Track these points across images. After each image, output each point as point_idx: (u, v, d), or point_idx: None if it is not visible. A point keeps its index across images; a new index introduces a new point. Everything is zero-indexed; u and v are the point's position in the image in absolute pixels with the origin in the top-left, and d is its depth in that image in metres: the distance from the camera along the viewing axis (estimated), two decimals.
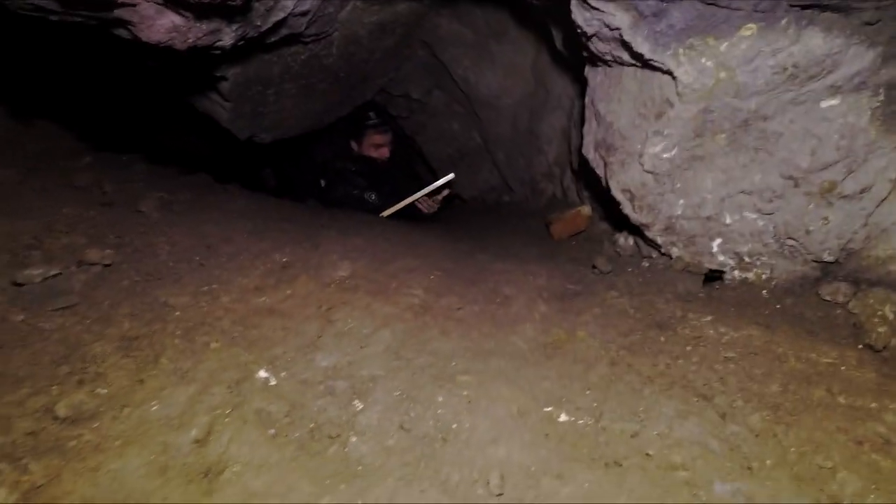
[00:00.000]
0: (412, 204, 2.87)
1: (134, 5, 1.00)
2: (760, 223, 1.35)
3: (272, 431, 0.85)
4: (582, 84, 1.94)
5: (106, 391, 0.88)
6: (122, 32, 1.09)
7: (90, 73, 2.58)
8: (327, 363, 1.04)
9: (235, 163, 3.61)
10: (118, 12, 1.01)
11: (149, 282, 1.26)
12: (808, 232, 1.30)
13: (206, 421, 0.85)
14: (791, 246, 1.35)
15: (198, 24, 1.15)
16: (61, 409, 0.83)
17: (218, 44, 1.32)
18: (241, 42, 1.43)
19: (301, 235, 1.77)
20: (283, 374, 0.99)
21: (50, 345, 0.98)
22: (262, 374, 0.98)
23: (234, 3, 1.06)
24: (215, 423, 0.85)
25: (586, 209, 2.08)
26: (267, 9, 1.38)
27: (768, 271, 1.40)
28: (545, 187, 2.69)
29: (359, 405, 0.93)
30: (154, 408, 0.87)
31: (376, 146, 3.03)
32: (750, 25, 1.14)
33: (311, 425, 0.88)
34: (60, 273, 1.20)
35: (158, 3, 1.02)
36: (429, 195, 2.84)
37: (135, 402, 0.87)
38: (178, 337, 1.06)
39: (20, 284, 1.13)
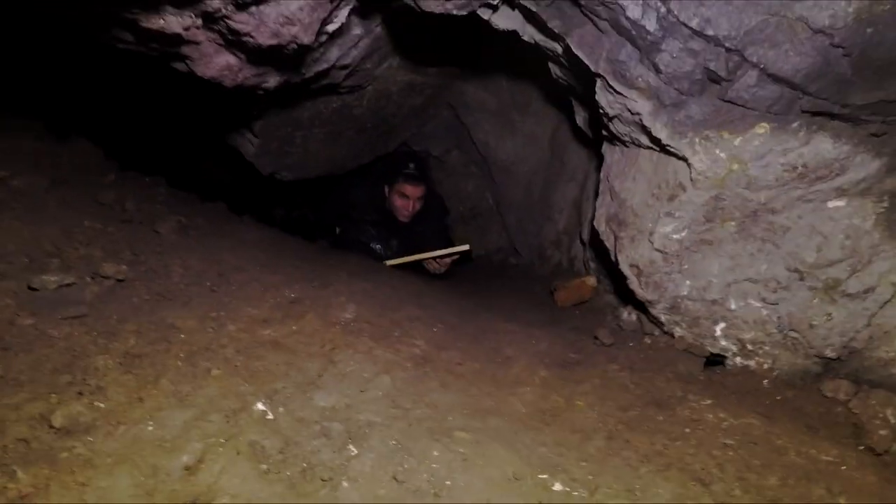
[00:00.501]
0: (420, 261, 2.83)
1: (197, 43, 1.08)
2: (765, 312, 1.37)
3: (264, 467, 0.84)
4: (598, 160, 2.03)
5: (104, 405, 0.88)
6: (179, 66, 1.17)
7: (129, 93, 2.70)
8: (326, 403, 1.03)
9: (251, 197, 3.70)
10: (182, 48, 1.09)
11: (158, 301, 1.27)
12: (811, 326, 1.32)
13: (199, 448, 0.84)
14: (794, 338, 1.37)
15: (249, 66, 1.23)
16: (57, 419, 0.82)
17: (263, 86, 1.40)
18: (284, 87, 1.52)
19: (312, 273, 1.80)
20: (280, 409, 0.98)
21: (55, 352, 0.98)
22: (261, 406, 0.97)
23: (287, 52, 1.14)
24: (208, 452, 0.84)
25: (592, 279, 2.11)
26: (314, 59, 1.48)
27: (770, 361, 1.40)
28: (552, 254, 2.73)
29: (353, 450, 0.91)
30: (149, 428, 0.86)
31: (402, 196, 2.94)
32: (763, 124, 1.21)
33: (304, 465, 0.86)
34: (75, 283, 1.21)
35: (219, 44, 1.10)
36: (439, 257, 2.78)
37: (131, 420, 0.86)
38: (180, 359, 1.06)
39: (34, 289, 1.15)
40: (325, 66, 1.58)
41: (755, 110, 1.20)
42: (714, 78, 1.21)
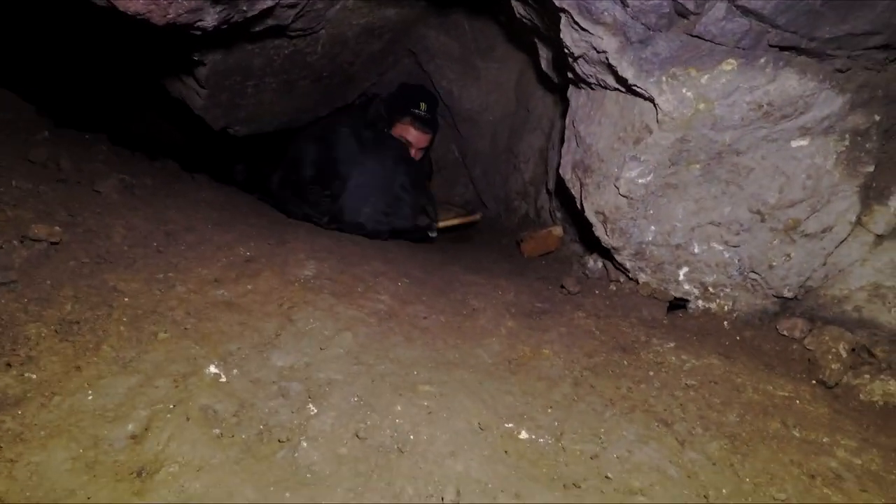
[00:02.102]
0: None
1: None
2: (727, 255, 1.38)
3: (217, 431, 0.79)
4: (563, 106, 1.97)
5: (36, 376, 0.81)
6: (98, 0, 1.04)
7: (57, 44, 2.46)
8: (283, 363, 0.99)
9: (207, 155, 3.49)
10: None
11: (98, 264, 1.18)
12: (770, 267, 1.34)
13: (145, 415, 0.79)
14: (753, 280, 1.38)
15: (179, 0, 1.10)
16: None
17: (199, 24, 1.27)
18: (225, 26, 1.39)
19: (268, 231, 1.72)
20: (234, 371, 0.94)
21: None
22: (213, 369, 0.92)
23: None
24: (155, 419, 0.79)
25: (558, 229, 2.09)
26: None
27: (730, 303, 1.43)
28: (519, 206, 2.70)
29: (313, 409, 0.88)
30: (89, 398, 0.80)
31: (403, 139, 2.48)
32: (731, 60, 1.17)
33: (261, 427, 0.82)
34: (1, 247, 1.11)
35: None
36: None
37: (67, 391, 0.80)
38: (123, 324, 0.99)
39: None
40: (269, 2, 1.44)
41: (723, 45, 1.15)
42: (682, 11, 1.15)
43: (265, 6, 1.44)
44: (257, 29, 1.69)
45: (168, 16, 1.13)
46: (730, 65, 1.18)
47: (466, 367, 1.12)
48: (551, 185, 2.16)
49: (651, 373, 1.17)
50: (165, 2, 1.09)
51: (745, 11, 1.10)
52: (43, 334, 0.91)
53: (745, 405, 1.06)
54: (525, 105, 2.61)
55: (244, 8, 1.37)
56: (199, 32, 1.34)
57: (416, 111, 2.47)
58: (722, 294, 1.43)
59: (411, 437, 0.85)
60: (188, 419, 0.80)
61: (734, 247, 1.37)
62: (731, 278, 1.40)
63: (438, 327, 1.29)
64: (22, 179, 1.51)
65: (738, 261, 1.37)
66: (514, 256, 2.19)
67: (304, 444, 0.80)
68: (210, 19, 1.28)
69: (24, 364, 0.83)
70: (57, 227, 1.25)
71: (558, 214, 2.16)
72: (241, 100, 2.40)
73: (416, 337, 1.21)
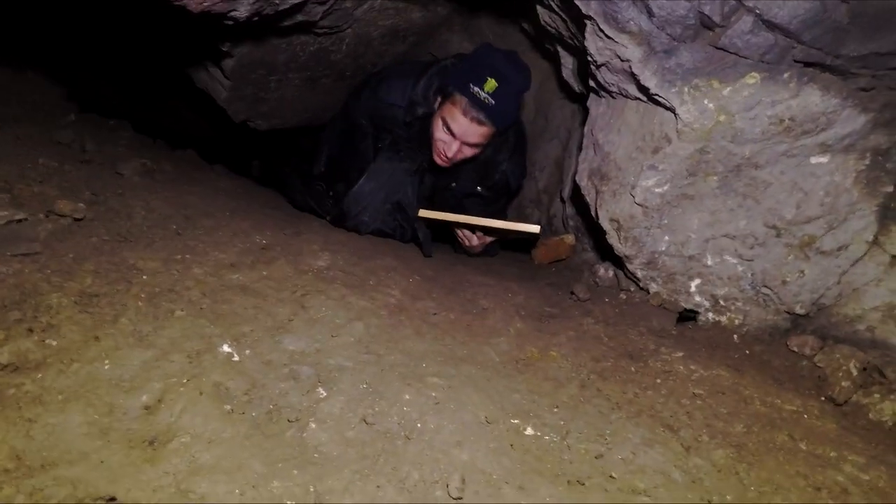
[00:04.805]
0: (453, 230, 2.02)
1: None
2: (740, 268, 1.38)
3: (228, 407, 0.81)
4: (582, 116, 1.98)
5: (56, 343, 0.83)
6: None
7: (87, 30, 2.52)
8: (295, 347, 1.00)
9: (227, 147, 3.54)
10: None
11: (119, 242, 1.21)
12: (784, 282, 1.33)
13: (159, 387, 0.81)
14: (766, 295, 1.38)
15: None
16: (3, 355, 0.77)
17: (232, 13, 1.30)
18: (256, 18, 1.42)
19: (283, 222, 1.74)
20: (247, 351, 0.95)
21: (3, 289, 0.92)
22: (226, 348, 0.93)
23: None
24: (169, 391, 0.80)
25: (570, 237, 2.10)
26: None
27: (741, 317, 1.42)
28: (531, 213, 2.71)
29: (322, 393, 0.89)
30: (105, 367, 0.82)
31: (445, 127, 1.80)
32: (754, 74, 1.17)
33: (271, 406, 0.84)
34: (26, 219, 1.14)
35: None
36: (484, 230, 1.90)
37: (85, 359, 0.82)
38: (141, 300, 1.01)
39: None
40: None
41: (747, 59, 1.16)
42: (708, 23, 1.16)
43: (297, 1, 1.47)
44: (286, 23, 1.72)
45: (204, 3, 1.16)
46: (753, 78, 1.18)
47: (474, 363, 1.13)
48: (566, 193, 2.17)
49: (658, 380, 1.17)
50: None
51: (772, 26, 1.11)
52: (64, 304, 0.93)
53: (753, 416, 1.05)
54: (544, 114, 2.62)
55: (276, 1, 1.40)
56: (230, 22, 1.37)
57: (475, 89, 1.68)
58: (733, 307, 1.43)
59: (418, 425, 0.85)
60: (201, 394, 0.81)
61: (748, 261, 1.37)
62: (743, 292, 1.40)
63: (448, 324, 1.30)
64: (48, 158, 1.55)
65: (751, 275, 1.37)
66: (524, 262, 2.20)
67: (313, 426, 0.81)
68: (243, 10, 1.31)
69: (44, 331, 0.85)
70: (81, 204, 1.28)
71: (571, 223, 2.16)
72: (264, 94, 2.44)
73: (426, 331, 1.22)
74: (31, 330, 0.84)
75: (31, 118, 2.01)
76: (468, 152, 1.87)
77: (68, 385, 0.76)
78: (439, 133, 1.84)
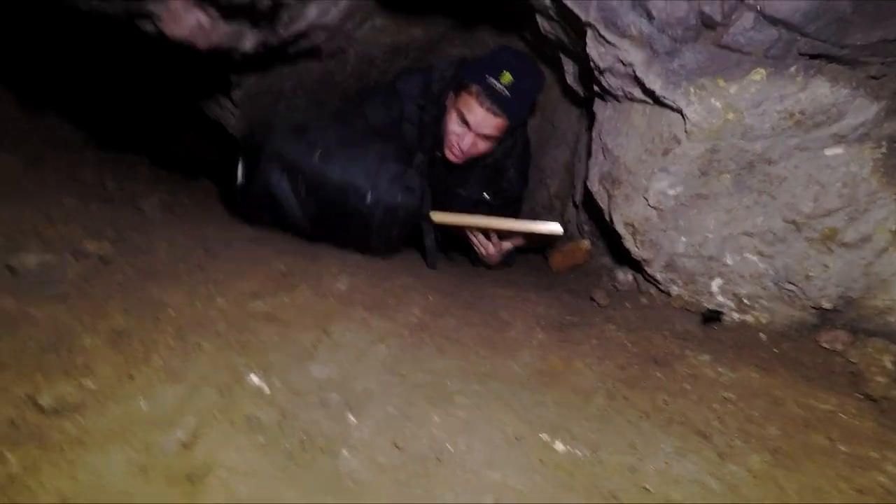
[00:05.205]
0: (468, 238, 1.94)
1: (164, 0, 1.02)
2: (761, 266, 1.36)
3: (262, 439, 0.82)
4: (589, 120, 1.98)
5: (93, 384, 0.85)
6: (147, 26, 1.10)
7: (101, 70, 2.60)
8: (322, 374, 1.02)
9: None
10: (149, 5, 1.02)
11: (144, 278, 1.24)
12: (807, 277, 1.31)
13: (193, 422, 0.82)
14: (790, 291, 1.36)
15: (223, 24, 1.17)
16: (44, 399, 0.80)
17: (239, 47, 1.33)
18: (262, 49, 1.45)
19: (301, 247, 1.76)
20: (275, 381, 0.96)
21: (38, 332, 0.95)
22: (255, 379, 0.95)
23: (262, 8, 1.08)
24: (203, 426, 0.82)
25: (586, 243, 2.09)
26: (291, 17, 1.41)
27: (767, 315, 1.40)
28: (545, 220, 2.70)
29: (352, 419, 0.90)
30: (141, 405, 0.83)
31: (459, 119, 1.80)
32: (760, 70, 1.17)
33: (303, 436, 0.85)
34: (55, 262, 1.17)
35: (187, 0, 1.04)
36: (500, 234, 1.86)
37: (121, 398, 0.84)
38: (170, 335, 1.03)
39: (14, 269, 1.11)
40: (303, 24, 1.51)
41: (751, 55, 1.15)
42: (709, 23, 1.16)
43: (300, 29, 1.51)
44: (291, 51, 1.76)
45: (211, 40, 1.20)
46: (759, 74, 1.18)
47: (499, 378, 1.13)
48: (578, 199, 2.16)
49: (687, 385, 1.16)
50: (209, 27, 1.15)
51: (774, 21, 1.10)
52: (97, 344, 0.95)
53: (787, 418, 1.04)
54: (550, 120, 2.63)
55: (280, 31, 1.43)
56: (238, 56, 1.41)
57: (492, 80, 1.69)
58: (758, 306, 1.41)
59: (448, 446, 0.86)
60: (234, 427, 0.82)
61: (769, 257, 1.35)
62: (767, 290, 1.38)
63: (469, 339, 1.30)
64: (72, 198, 1.60)
65: (774, 272, 1.35)
66: (541, 270, 2.19)
67: (345, 453, 0.82)
68: (248, 43, 1.34)
69: (81, 372, 0.87)
70: (105, 243, 1.32)
71: (586, 228, 2.16)
72: (273, 120, 2.48)
73: (448, 349, 1.23)
74: (68, 372, 0.86)
75: (53, 158, 2.07)
76: (481, 146, 1.87)
77: (107, 425, 0.78)
78: (453, 126, 1.84)
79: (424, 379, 1.06)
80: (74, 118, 2.47)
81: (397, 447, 0.85)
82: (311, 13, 1.49)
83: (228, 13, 1.14)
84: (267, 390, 0.93)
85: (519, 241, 1.97)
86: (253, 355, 1.02)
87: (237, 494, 0.71)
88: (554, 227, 1.65)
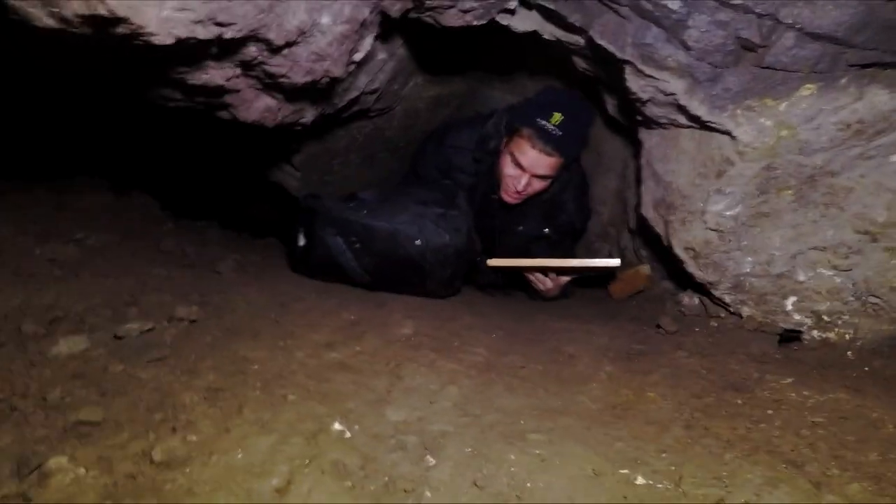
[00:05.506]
0: (524, 275, 2.02)
1: (238, 91, 1.16)
2: (838, 280, 1.30)
3: (349, 483, 0.86)
4: (635, 147, 1.99)
5: (195, 438, 0.93)
6: (223, 114, 1.25)
7: (174, 147, 2.88)
8: (397, 418, 1.06)
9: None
10: (224, 98, 1.16)
11: (229, 337, 1.34)
12: (892, 289, 1.24)
13: (286, 470, 0.88)
14: (875, 304, 1.29)
15: (287, 105, 1.30)
16: (157, 454, 0.88)
17: (301, 121, 1.47)
18: (320, 119, 1.59)
19: (365, 295, 1.85)
20: (355, 427, 1.01)
21: (145, 393, 1.05)
22: (337, 426, 1.00)
23: (321, 86, 1.20)
24: (295, 473, 0.87)
25: (645, 268, 2.06)
26: (344, 89, 1.54)
27: (851, 331, 1.33)
28: (600, 248, 2.69)
29: (431, 461, 0.93)
30: (238, 456, 0.90)
31: (514, 162, 1.86)
32: (808, 86, 1.16)
33: (386, 479, 0.88)
34: (154, 328, 1.30)
35: (257, 88, 1.17)
36: (558, 271, 1.91)
37: (221, 450, 0.91)
38: (257, 389, 1.11)
39: (120, 338, 1.24)
40: (355, 93, 1.64)
41: (798, 72, 1.15)
42: (748, 46, 1.17)
43: (353, 96, 1.64)
44: (344, 115, 1.90)
45: (277, 119, 1.33)
46: (808, 90, 1.17)
47: (570, 414, 1.13)
48: (633, 225, 2.15)
49: (770, 411, 1.11)
50: (276, 109, 1.28)
51: (817, 37, 1.10)
52: (195, 401, 1.04)
53: (887, 442, 0.97)
54: (595, 149, 2.65)
55: (336, 102, 1.57)
56: (299, 127, 1.55)
57: (542, 122, 1.74)
58: (840, 322, 1.34)
59: (528, 484, 0.87)
60: (323, 473, 0.87)
61: (845, 271, 1.29)
62: (848, 304, 1.31)
63: (537, 376, 1.31)
64: (160, 267, 1.76)
65: (853, 285, 1.29)
66: (602, 299, 2.17)
67: (428, 494, 0.84)
68: (309, 116, 1.48)
69: (185, 428, 0.96)
70: (194, 307, 1.45)
71: (643, 253, 2.13)
72: (328, 177, 2.65)
73: (517, 386, 1.24)
74: (174, 429, 0.95)
75: (139, 232, 2.30)
76: (537, 185, 1.92)
77: (211, 476, 0.85)
78: (508, 169, 1.90)
79: (497, 418, 1.08)
80: (150, 192, 2.74)
81: (477, 486, 0.87)
82: (362, 81, 1.63)
83: (291, 95, 1.27)
84: (348, 435, 0.98)
85: (576, 275, 2.00)
86: (333, 403, 1.08)
87: None
88: (612, 262, 1.68)
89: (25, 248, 1.59)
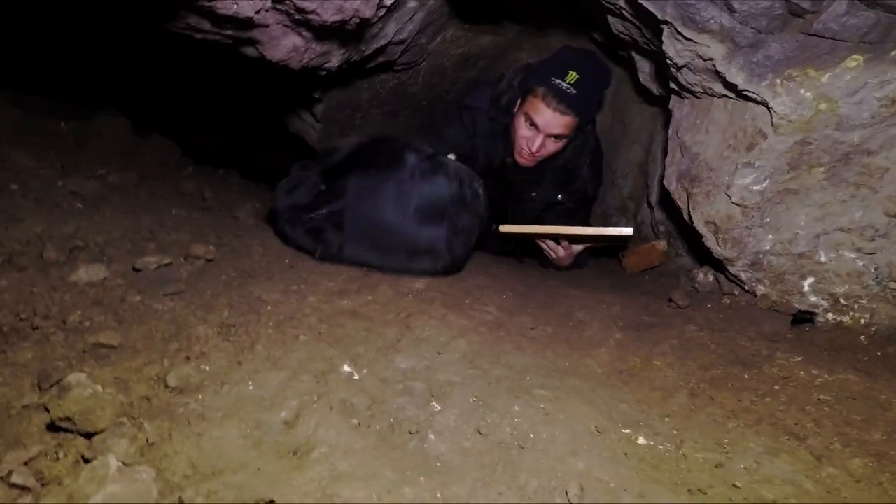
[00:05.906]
0: (537, 243, 2.02)
1: (266, 26, 1.13)
2: (860, 263, 1.28)
3: (355, 421, 0.89)
4: (664, 118, 1.94)
5: (208, 368, 0.96)
6: (249, 51, 1.23)
7: (195, 91, 2.86)
8: (406, 365, 1.08)
9: None
10: (252, 32, 1.14)
11: (244, 278, 1.36)
12: None
13: (295, 405, 0.90)
14: (895, 290, 1.26)
15: (314, 46, 1.27)
16: (171, 380, 0.91)
17: (326, 65, 1.44)
18: (345, 66, 1.56)
19: None
20: (364, 370, 1.03)
21: (162, 323, 1.08)
22: (346, 368, 1.02)
23: (349, 28, 1.17)
24: (303, 408, 0.90)
25: (662, 244, 2.04)
26: (372, 35, 1.51)
27: (868, 316, 1.31)
28: (618, 221, 2.66)
29: (436, 406, 0.95)
30: (249, 388, 0.93)
31: (528, 122, 1.81)
32: (856, 56, 1.11)
33: (392, 420, 0.90)
34: (171, 263, 1.32)
35: (286, 25, 1.15)
36: (570, 239, 1.92)
37: (233, 381, 0.94)
38: (270, 328, 1.13)
39: (138, 270, 1.26)
40: (382, 41, 1.60)
41: (846, 42, 1.10)
42: (797, 11, 1.12)
43: (380, 45, 1.60)
44: (369, 66, 1.87)
45: (303, 61, 1.31)
46: (855, 61, 1.12)
47: (577, 375, 1.14)
48: (654, 199, 2.11)
49: (776, 387, 1.11)
50: (303, 49, 1.26)
51: (872, 4, 1.05)
52: (209, 335, 1.07)
53: (893, 423, 0.97)
54: (622, 120, 2.58)
55: (363, 48, 1.53)
56: (324, 73, 1.52)
57: (557, 81, 1.70)
58: (857, 306, 1.32)
59: (531, 435, 0.88)
60: (331, 409, 0.90)
61: (869, 254, 1.26)
62: (868, 289, 1.29)
63: (546, 337, 1.32)
64: (178, 208, 1.78)
65: (875, 269, 1.27)
66: (616, 272, 2.16)
67: (432, 437, 0.86)
68: (335, 60, 1.45)
69: (199, 358, 0.98)
70: (211, 247, 1.46)
71: (661, 228, 2.10)
72: (349, 131, 2.63)
73: (526, 346, 1.25)
74: (188, 358, 0.98)
75: (159, 174, 2.31)
76: (551, 147, 1.87)
77: (223, 404, 0.88)
78: (522, 130, 1.85)
79: (504, 373, 1.09)
80: (172, 137, 2.75)
81: (481, 433, 0.88)
82: (390, 29, 1.58)
83: (320, 34, 1.24)
84: (357, 377, 1.00)
85: (589, 244, 1.98)
86: (343, 347, 1.10)
87: (339, 469, 0.77)
88: (625, 231, 1.64)
89: (48, 180, 1.61)
